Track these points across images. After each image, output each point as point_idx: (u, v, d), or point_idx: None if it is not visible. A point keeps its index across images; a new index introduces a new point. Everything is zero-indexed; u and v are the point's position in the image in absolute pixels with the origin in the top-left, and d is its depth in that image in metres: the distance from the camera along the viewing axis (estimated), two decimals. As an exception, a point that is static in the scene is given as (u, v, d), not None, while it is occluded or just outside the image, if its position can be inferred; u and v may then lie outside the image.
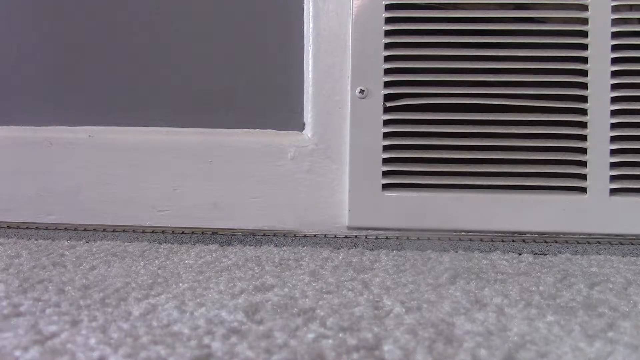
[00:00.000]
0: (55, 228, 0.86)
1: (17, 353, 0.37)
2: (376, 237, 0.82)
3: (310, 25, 1.01)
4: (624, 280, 0.62)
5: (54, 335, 0.41)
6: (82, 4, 1.09)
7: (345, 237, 0.83)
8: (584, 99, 0.90)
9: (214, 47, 1.08)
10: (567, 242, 0.80)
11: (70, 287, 0.55)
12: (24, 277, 0.59)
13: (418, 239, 0.81)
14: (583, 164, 0.90)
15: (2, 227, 0.86)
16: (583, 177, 0.90)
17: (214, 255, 0.74)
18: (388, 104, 0.92)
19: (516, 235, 0.88)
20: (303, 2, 1.03)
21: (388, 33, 0.92)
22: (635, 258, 0.77)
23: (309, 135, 1.03)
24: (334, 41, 0.99)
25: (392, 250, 0.80)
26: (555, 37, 0.91)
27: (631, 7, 0.90)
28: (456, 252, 0.79)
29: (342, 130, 0.99)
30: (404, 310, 0.49)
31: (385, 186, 0.92)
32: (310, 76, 1.02)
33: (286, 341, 0.40)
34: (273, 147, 1.04)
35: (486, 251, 0.80)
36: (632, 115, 0.89)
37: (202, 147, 1.05)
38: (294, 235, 0.83)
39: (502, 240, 0.80)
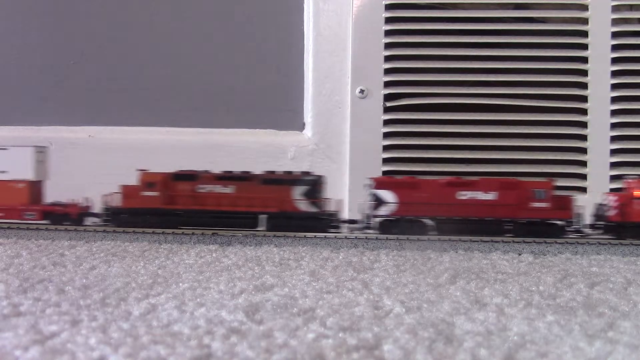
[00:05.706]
0: (55, 228, 0.86)
1: (17, 353, 0.37)
2: (376, 238, 0.82)
3: (310, 25, 1.01)
4: (624, 280, 0.62)
5: (54, 335, 0.41)
6: (82, 5, 1.09)
7: (345, 237, 0.82)
8: (584, 99, 0.90)
9: (214, 47, 1.08)
10: (567, 242, 0.80)
11: (70, 287, 0.55)
12: (24, 277, 0.59)
13: (418, 239, 0.81)
14: (583, 164, 0.90)
15: (2, 227, 0.86)
16: (583, 177, 0.90)
17: (214, 255, 0.74)
18: (388, 104, 0.92)
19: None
20: (303, 2, 1.03)
21: (388, 33, 0.92)
22: (635, 258, 0.77)
23: (309, 135, 1.03)
24: (334, 41, 0.99)
25: (392, 250, 0.80)
26: (555, 37, 0.91)
27: (631, 7, 0.90)
28: (456, 252, 0.79)
29: (342, 130, 0.99)
30: (404, 310, 0.49)
31: (386, 186, 0.91)
32: (310, 76, 1.02)
33: (286, 341, 0.40)
34: (273, 147, 1.04)
35: (486, 251, 0.80)
36: (632, 115, 0.89)
37: (202, 147, 1.05)
38: (294, 236, 0.83)
39: (502, 241, 0.80)
